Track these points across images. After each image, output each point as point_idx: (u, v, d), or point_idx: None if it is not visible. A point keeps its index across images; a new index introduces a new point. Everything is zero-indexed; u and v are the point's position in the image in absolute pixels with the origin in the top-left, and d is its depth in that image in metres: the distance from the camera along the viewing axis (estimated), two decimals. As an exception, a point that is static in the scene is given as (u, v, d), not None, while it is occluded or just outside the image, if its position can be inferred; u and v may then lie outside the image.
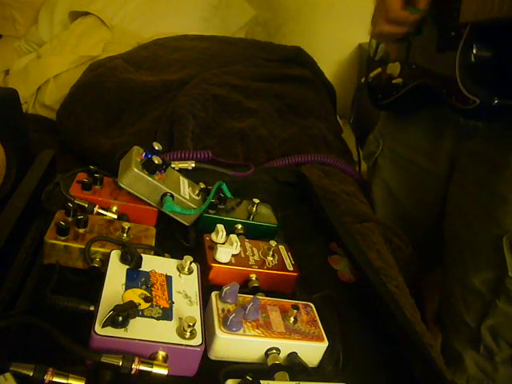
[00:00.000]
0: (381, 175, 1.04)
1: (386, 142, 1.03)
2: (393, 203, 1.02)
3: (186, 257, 0.52)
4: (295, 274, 0.58)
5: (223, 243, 0.57)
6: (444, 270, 0.93)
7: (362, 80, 1.04)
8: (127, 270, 0.48)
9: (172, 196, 0.61)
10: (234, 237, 0.57)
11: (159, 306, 0.45)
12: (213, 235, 0.59)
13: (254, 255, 0.59)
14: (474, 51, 0.70)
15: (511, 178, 0.77)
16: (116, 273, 0.48)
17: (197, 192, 0.66)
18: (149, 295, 0.46)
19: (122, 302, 0.43)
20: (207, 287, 0.51)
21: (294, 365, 0.46)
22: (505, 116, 0.74)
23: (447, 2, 0.76)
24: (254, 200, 0.68)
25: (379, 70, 0.97)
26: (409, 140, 0.97)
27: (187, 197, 0.63)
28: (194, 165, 0.80)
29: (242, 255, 0.58)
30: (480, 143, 0.82)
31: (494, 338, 0.83)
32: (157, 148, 0.63)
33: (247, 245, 0.60)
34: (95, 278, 0.49)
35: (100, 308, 0.42)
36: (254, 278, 0.56)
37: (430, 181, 0.94)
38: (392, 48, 0.93)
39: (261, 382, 0.40)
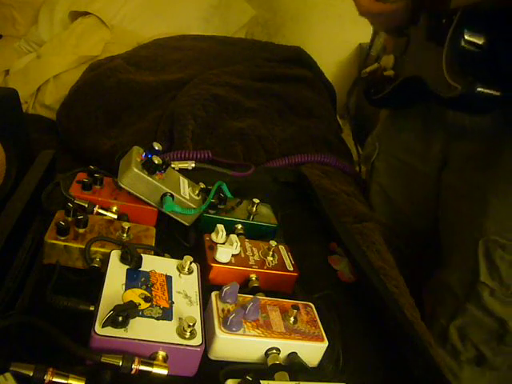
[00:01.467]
0: (377, 178, 1.05)
1: (382, 145, 1.04)
2: (390, 206, 1.02)
3: (185, 257, 0.52)
4: (295, 274, 0.58)
5: (223, 243, 0.57)
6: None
7: (358, 75, 1.03)
8: (127, 269, 0.48)
9: (172, 196, 0.61)
10: (234, 237, 0.57)
11: (159, 306, 0.45)
12: (213, 235, 0.59)
13: (254, 255, 0.59)
14: (465, 37, 0.69)
15: (496, 179, 0.77)
16: (116, 273, 0.48)
17: (197, 192, 0.66)
18: (149, 295, 0.46)
19: (122, 302, 0.43)
20: (207, 287, 0.51)
21: (293, 365, 0.46)
22: (488, 106, 0.73)
23: None
24: (254, 200, 0.68)
25: (376, 65, 0.96)
26: (403, 142, 0.97)
27: (187, 197, 0.63)
28: (193, 165, 0.80)
29: (242, 255, 0.58)
30: (468, 144, 0.82)
31: (460, 338, 0.83)
32: (157, 148, 0.63)
33: (247, 245, 0.60)
34: (95, 277, 0.49)
35: (100, 308, 0.42)
36: (254, 278, 0.56)
37: (424, 182, 0.94)
38: (388, 41, 0.92)
39: (261, 382, 0.40)
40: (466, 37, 0.69)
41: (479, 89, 0.67)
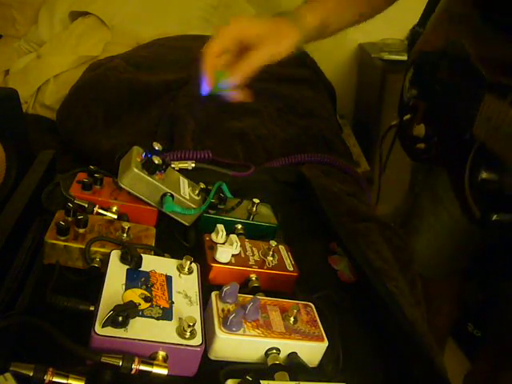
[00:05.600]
0: None
1: None
2: None
3: (185, 257, 0.52)
4: (295, 274, 0.58)
5: (223, 243, 0.57)
6: None
7: (393, 122, 1.00)
8: (127, 269, 0.48)
9: (172, 196, 0.61)
10: (234, 237, 0.57)
11: (159, 306, 0.45)
12: (213, 235, 0.59)
13: (254, 255, 0.59)
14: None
15: None
16: (116, 273, 0.48)
17: (197, 192, 0.66)
18: (149, 295, 0.46)
19: (122, 302, 0.43)
20: (207, 287, 0.51)
21: (293, 365, 0.46)
22: None
23: None
24: (254, 200, 0.68)
25: (408, 116, 0.92)
26: None
27: (187, 197, 0.63)
28: (193, 165, 0.80)
29: (242, 255, 0.58)
30: None
31: None
32: (157, 148, 0.62)
33: (247, 245, 0.60)
34: (95, 277, 0.49)
35: (100, 308, 0.42)
36: (254, 278, 0.56)
37: None
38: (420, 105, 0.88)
39: (261, 382, 0.40)
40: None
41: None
